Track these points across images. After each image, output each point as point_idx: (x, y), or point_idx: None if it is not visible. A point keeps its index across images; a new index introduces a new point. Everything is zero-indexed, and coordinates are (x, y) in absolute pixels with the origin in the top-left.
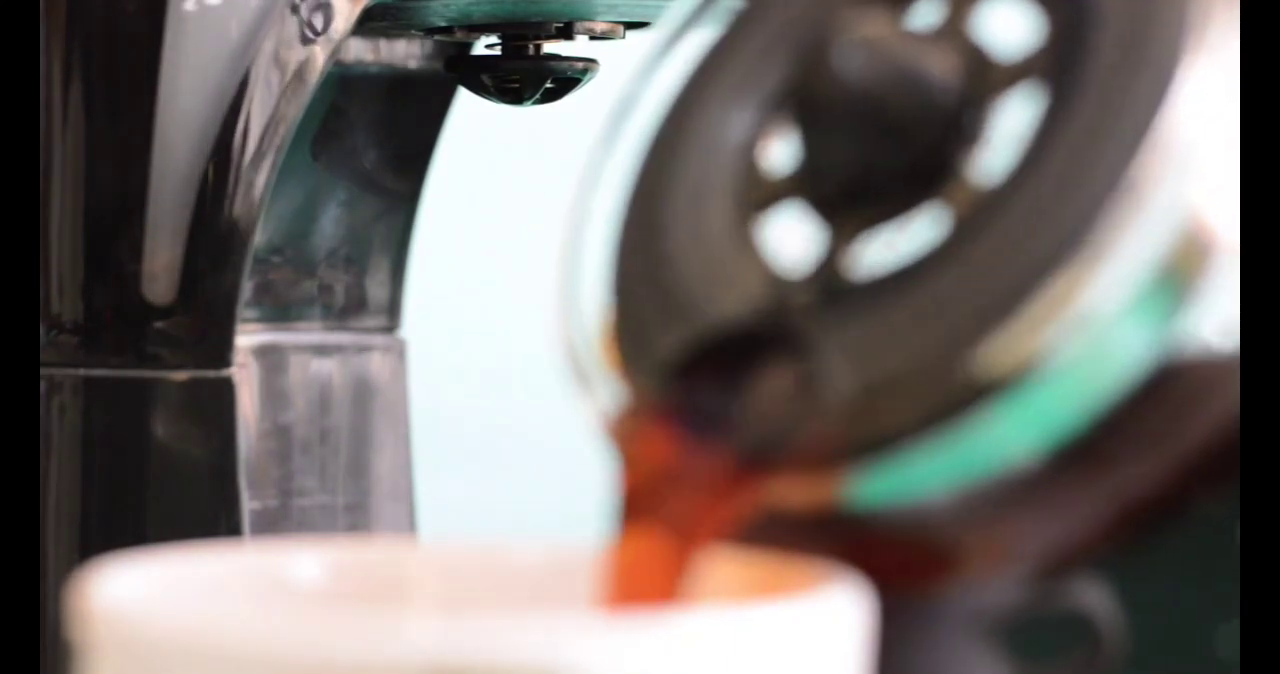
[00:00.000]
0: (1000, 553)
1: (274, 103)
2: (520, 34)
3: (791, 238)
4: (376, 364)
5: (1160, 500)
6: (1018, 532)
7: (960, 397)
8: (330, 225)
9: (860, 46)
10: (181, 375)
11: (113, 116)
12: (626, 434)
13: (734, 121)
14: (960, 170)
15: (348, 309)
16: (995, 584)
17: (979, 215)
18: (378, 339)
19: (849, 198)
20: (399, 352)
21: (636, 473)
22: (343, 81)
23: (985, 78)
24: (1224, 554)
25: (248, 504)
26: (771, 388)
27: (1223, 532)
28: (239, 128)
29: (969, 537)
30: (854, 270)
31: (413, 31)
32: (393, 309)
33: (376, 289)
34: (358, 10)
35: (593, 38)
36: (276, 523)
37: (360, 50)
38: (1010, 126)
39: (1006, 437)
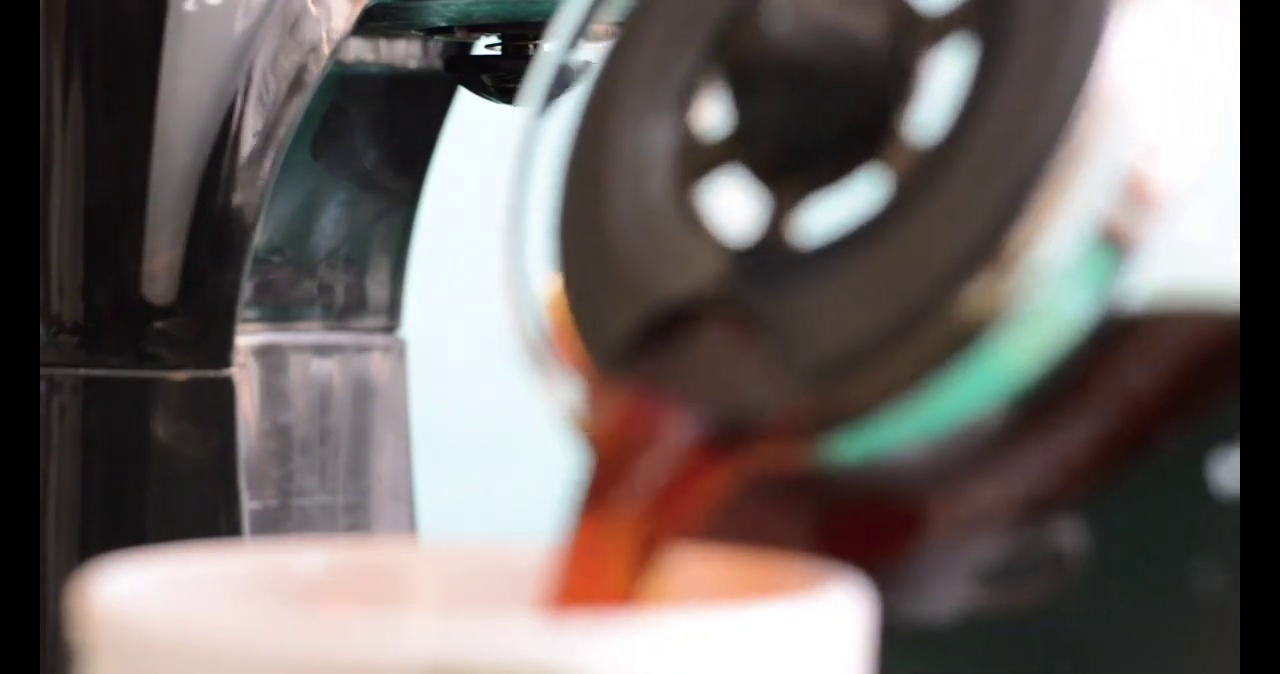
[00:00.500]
0: (973, 509)
1: (274, 102)
2: (520, 34)
3: (734, 204)
4: (376, 364)
5: (1124, 443)
6: (989, 484)
7: (926, 358)
8: (330, 225)
9: (788, 8)
10: (181, 375)
11: (113, 116)
12: (591, 418)
13: (663, 87)
14: (897, 130)
15: (348, 309)
16: (974, 536)
17: (922, 177)
18: (378, 339)
19: (788, 163)
20: (399, 352)
21: (604, 456)
22: (343, 81)
23: (914, 33)
24: (1191, 488)
25: (248, 504)
26: (731, 361)
27: (1188, 467)
28: (239, 128)
29: (941, 494)
30: (800, 236)
31: (413, 31)
32: (393, 309)
33: (376, 289)
34: (358, 10)
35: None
36: (276, 523)
37: (360, 50)
38: (943, 81)
39: (971, 392)
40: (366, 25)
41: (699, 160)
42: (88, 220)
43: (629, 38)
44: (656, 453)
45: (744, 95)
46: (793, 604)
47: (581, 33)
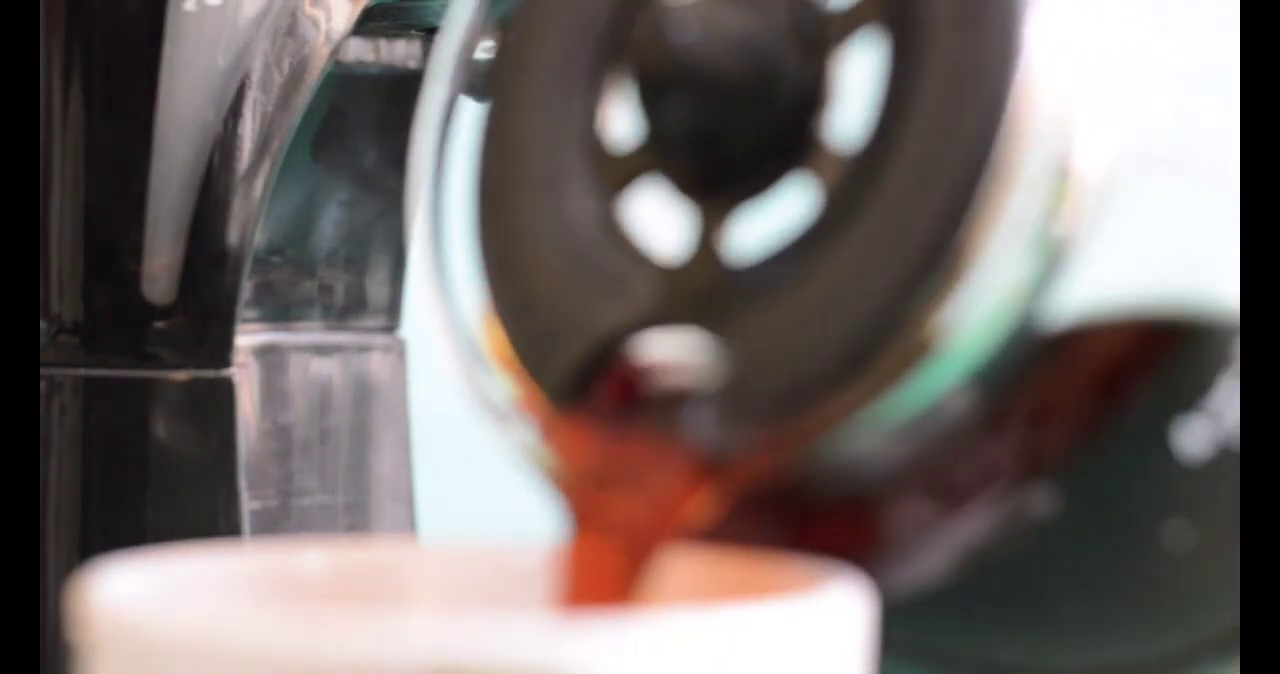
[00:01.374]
0: (942, 496)
1: (274, 103)
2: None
3: (658, 215)
4: (376, 364)
5: (1089, 421)
6: (957, 477)
7: (882, 378)
8: (330, 225)
9: (693, 18)
10: (181, 375)
11: (113, 116)
12: (551, 453)
13: (568, 99)
14: (819, 136)
15: (348, 309)
16: (951, 519)
17: (852, 187)
18: (378, 339)
19: (710, 176)
20: (399, 352)
21: (581, 489)
22: (343, 81)
23: (822, 32)
24: (1160, 455)
25: (248, 504)
26: (688, 393)
27: (1155, 435)
28: (239, 128)
29: (912, 485)
30: (734, 253)
31: (413, 31)
32: (393, 309)
33: (376, 289)
34: (358, 10)
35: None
36: (276, 523)
37: (360, 50)
38: (857, 79)
39: (927, 391)
40: (366, 25)
41: (616, 172)
42: (88, 220)
43: (521, 47)
44: (634, 483)
45: (657, 109)
46: (793, 604)
47: (481, 28)
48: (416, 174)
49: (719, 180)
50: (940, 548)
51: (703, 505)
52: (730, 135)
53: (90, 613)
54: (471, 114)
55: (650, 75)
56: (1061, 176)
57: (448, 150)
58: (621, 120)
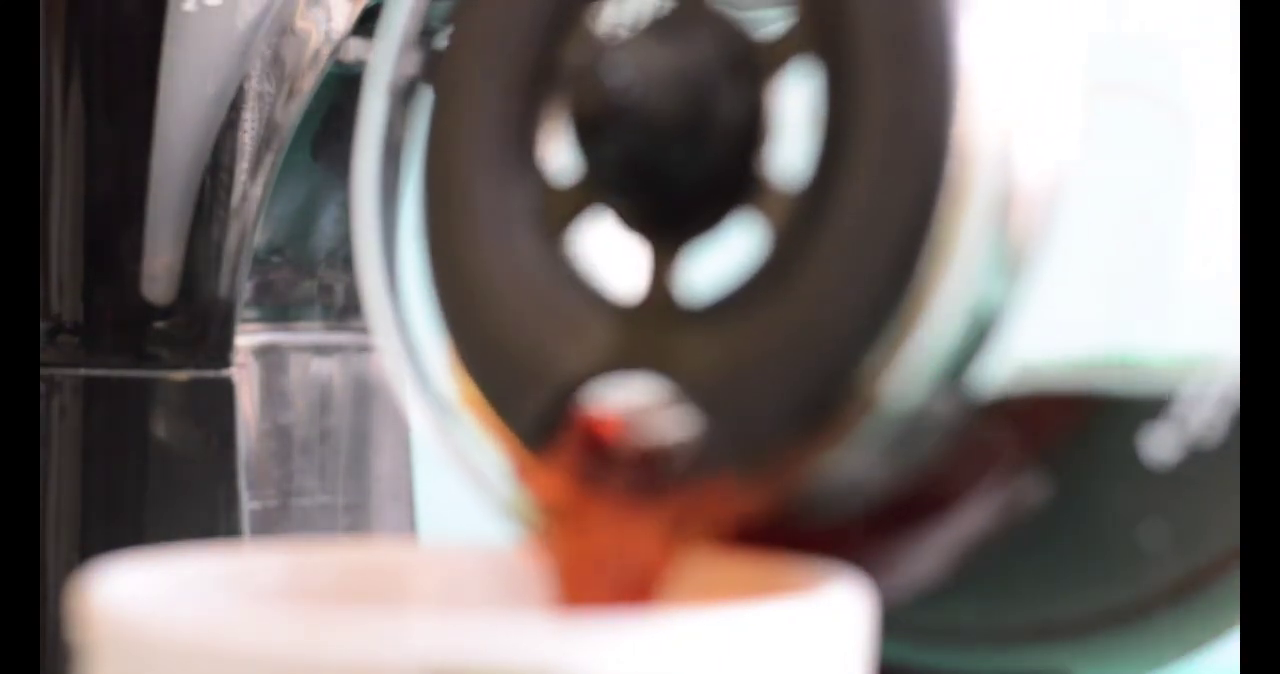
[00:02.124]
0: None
1: (274, 103)
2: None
3: (607, 254)
4: (376, 364)
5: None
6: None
7: (841, 426)
8: (330, 225)
9: (625, 58)
10: (181, 375)
11: (113, 116)
12: (528, 495)
13: (505, 134)
14: (762, 173)
15: (348, 309)
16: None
17: (799, 227)
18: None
19: (658, 214)
20: None
21: (568, 547)
22: (343, 81)
23: (754, 63)
24: (1130, 457)
25: (248, 504)
26: (653, 439)
27: (1124, 441)
28: (239, 128)
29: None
30: (686, 294)
31: None
32: None
33: None
34: (358, 10)
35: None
36: (276, 523)
37: (360, 50)
38: (792, 110)
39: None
40: (366, 25)
41: (561, 207)
42: (88, 220)
43: (454, 84)
44: (618, 538)
45: (596, 149)
46: (793, 604)
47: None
48: (361, 208)
49: (665, 217)
50: (930, 550)
51: (680, 557)
52: (671, 173)
53: (90, 613)
54: (414, 154)
55: (586, 116)
56: (1012, 199)
57: (396, 178)
58: (561, 154)
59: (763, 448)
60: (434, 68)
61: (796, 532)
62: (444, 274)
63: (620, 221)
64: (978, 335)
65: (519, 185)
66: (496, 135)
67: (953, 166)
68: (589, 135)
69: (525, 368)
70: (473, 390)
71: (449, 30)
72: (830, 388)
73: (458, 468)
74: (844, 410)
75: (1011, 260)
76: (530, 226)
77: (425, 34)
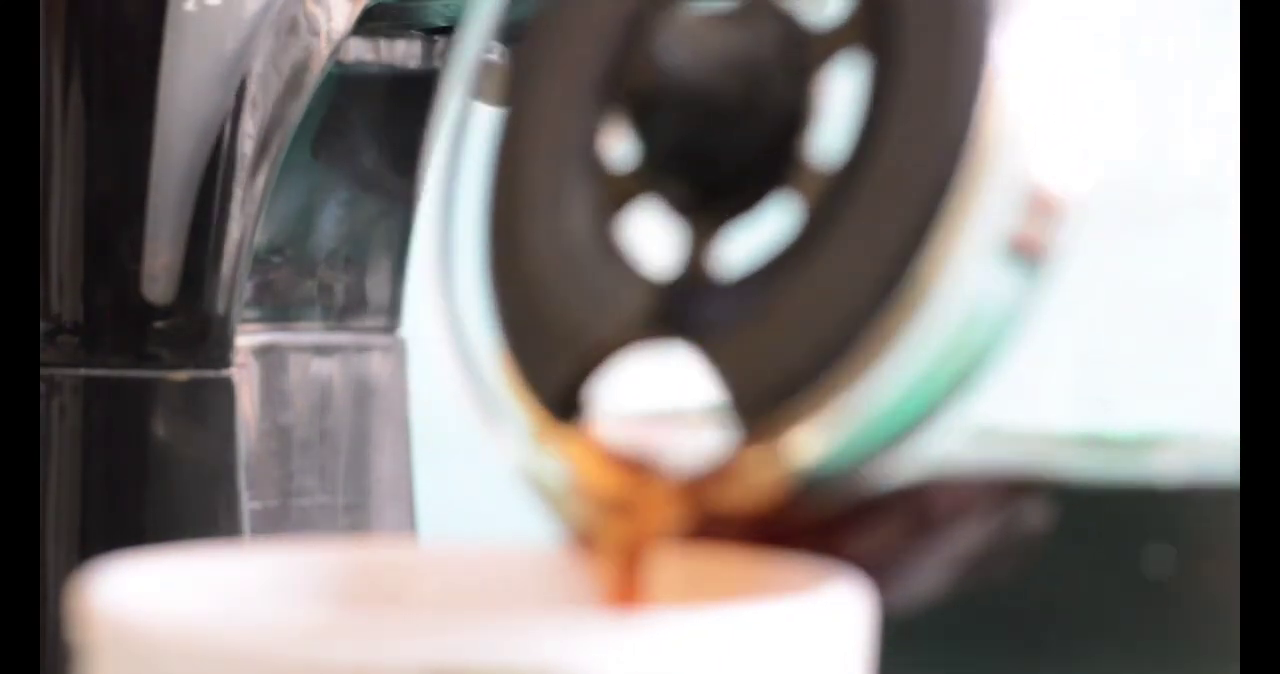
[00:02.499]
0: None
1: (274, 103)
2: (521, 35)
3: (652, 237)
4: (376, 364)
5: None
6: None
7: (852, 390)
8: (330, 225)
9: (681, 38)
10: (181, 375)
11: (113, 116)
12: (550, 467)
13: (570, 124)
14: (802, 155)
15: (348, 309)
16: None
17: (829, 204)
18: (378, 339)
19: (699, 194)
20: (399, 352)
21: (581, 506)
22: (343, 81)
23: (805, 52)
24: (1139, 480)
25: (248, 504)
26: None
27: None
28: (239, 128)
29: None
30: (720, 269)
31: (413, 31)
32: (393, 309)
33: (376, 289)
34: (358, 10)
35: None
36: (276, 523)
37: (360, 50)
38: (840, 99)
39: (915, 404)
40: (366, 25)
41: (614, 194)
42: (88, 220)
43: (534, 63)
44: (638, 506)
45: (647, 129)
46: (793, 604)
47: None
48: (428, 181)
49: (708, 198)
50: (932, 558)
51: (689, 523)
52: (718, 154)
53: (90, 613)
54: (486, 124)
55: (641, 96)
56: (1034, 190)
57: (460, 158)
58: (621, 146)
59: (779, 411)
60: (511, 63)
61: (790, 523)
62: (495, 240)
63: (666, 204)
64: (981, 327)
65: (579, 166)
66: (566, 115)
67: (975, 152)
68: (643, 114)
69: (556, 332)
70: (505, 352)
71: (526, 30)
72: (844, 360)
73: (506, 467)
74: (860, 372)
75: (1027, 258)
76: (583, 206)
77: (505, 31)
